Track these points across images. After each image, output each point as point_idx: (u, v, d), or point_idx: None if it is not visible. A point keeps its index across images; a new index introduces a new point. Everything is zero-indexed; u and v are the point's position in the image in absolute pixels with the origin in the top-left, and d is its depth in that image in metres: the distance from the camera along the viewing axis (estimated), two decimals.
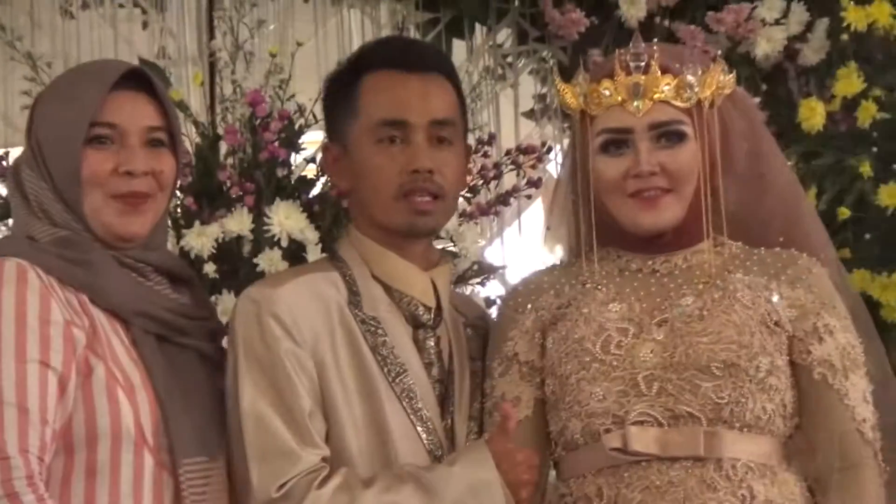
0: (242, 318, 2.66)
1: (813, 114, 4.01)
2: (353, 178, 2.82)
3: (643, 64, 2.74)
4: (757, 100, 4.10)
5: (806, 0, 4.20)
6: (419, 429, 2.77)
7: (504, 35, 4.55)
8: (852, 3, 4.05)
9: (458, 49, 4.47)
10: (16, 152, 3.25)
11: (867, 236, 3.97)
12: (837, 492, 2.76)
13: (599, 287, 2.85)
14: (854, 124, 4.04)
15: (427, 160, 2.76)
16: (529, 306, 2.88)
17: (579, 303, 2.83)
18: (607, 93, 2.76)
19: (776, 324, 2.76)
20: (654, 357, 2.75)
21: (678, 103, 2.74)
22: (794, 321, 2.77)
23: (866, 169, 3.94)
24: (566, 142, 4.16)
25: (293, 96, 3.61)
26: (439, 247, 3.15)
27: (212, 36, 3.88)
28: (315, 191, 3.58)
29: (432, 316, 2.85)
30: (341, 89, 2.87)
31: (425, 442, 2.76)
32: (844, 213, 3.91)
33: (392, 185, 2.75)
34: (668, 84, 2.75)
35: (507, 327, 2.89)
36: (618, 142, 2.76)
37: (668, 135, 2.76)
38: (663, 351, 2.75)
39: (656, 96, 2.74)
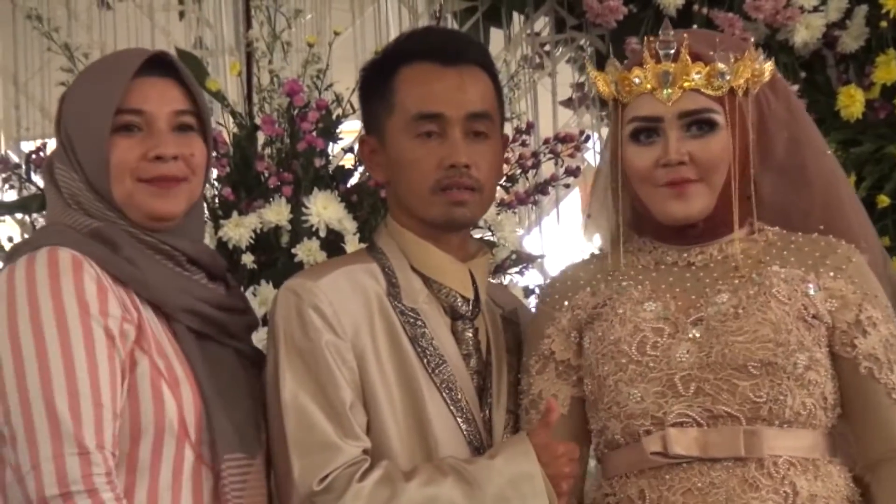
0: (283, 310, 2.64)
1: (852, 101, 4.07)
2: (391, 171, 2.80)
3: (672, 51, 2.69)
4: (795, 87, 4.00)
5: None
6: (458, 419, 2.76)
7: (542, 23, 4.53)
8: None
9: (496, 37, 4.47)
10: (54, 143, 3.37)
11: None
12: (887, 482, 2.71)
13: (635, 284, 2.82)
14: (893, 111, 4.09)
15: (464, 155, 2.74)
16: (566, 304, 2.86)
17: (615, 302, 2.80)
18: (637, 80, 2.73)
19: (814, 317, 2.72)
20: (691, 357, 2.72)
21: (709, 91, 2.70)
22: (835, 312, 2.73)
23: None
24: (605, 130, 4.14)
25: (331, 86, 3.57)
26: (477, 237, 3.13)
27: (249, 26, 3.84)
28: (353, 181, 3.54)
29: (470, 307, 2.83)
30: (377, 82, 2.84)
31: (465, 433, 2.75)
32: (884, 200, 3.98)
33: (429, 179, 2.73)
34: (698, 72, 2.69)
35: (543, 324, 2.87)
36: (648, 130, 2.72)
37: (698, 123, 2.71)
38: (699, 350, 2.72)
39: (686, 84, 2.70)
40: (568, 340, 2.82)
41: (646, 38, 2.71)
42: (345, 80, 3.51)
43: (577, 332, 2.82)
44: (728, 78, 2.69)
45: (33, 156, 3.72)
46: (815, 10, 4.14)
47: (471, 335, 2.83)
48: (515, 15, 4.49)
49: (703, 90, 2.67)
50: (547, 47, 4.60)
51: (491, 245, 3.41)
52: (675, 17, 4.07)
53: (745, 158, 2.73)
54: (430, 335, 2.76)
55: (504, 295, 3.08)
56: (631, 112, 2.74)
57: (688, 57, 2.66)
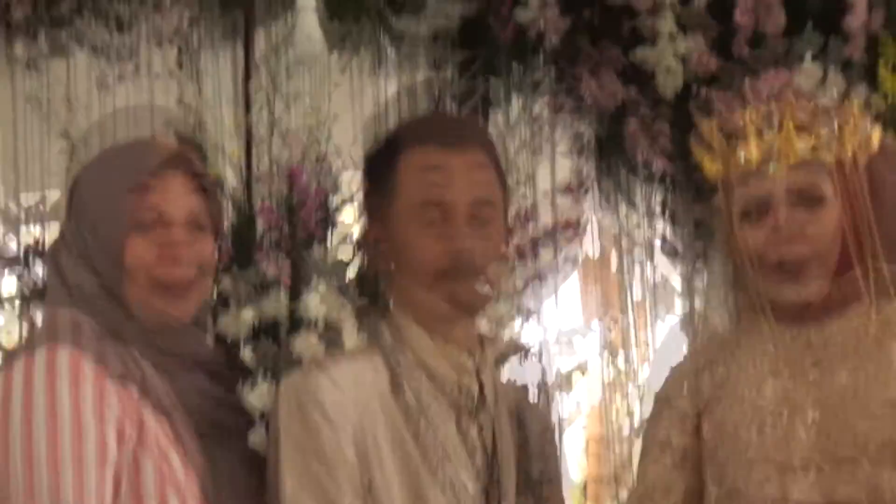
0: (284, 406, 2.61)
1: None
2: (395, 258, 2.79)
3: (777, 123, 2.67)
4: None
5: (843, 64, 4.09)
6: (448, 491, 2.76)
7: (540, 105, 4.43)
8: (892, 72, 4.05)
9: (496, 120, 4.41)
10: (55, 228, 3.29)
11: None
12: None
13: (754, 360, 2.80)
14: None
15: (465, 240, 2.73)
16: (684, 390, 2.87)
17: (734, 384, 2.80)
18: (745, 153, 2.71)
19: None
20: (810, 437, 2.72)
21: (816, 163, 2.67)
22: None
23: None
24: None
25: (330, 170, 3.52)
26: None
27: (248, 110, 3.77)
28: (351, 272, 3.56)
29: (475, 402, 2.81)
30: (379, 168, 2.85)
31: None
32: None
33: (431, 266, 2.72)
34: (804, 144, 2.67)
35: (661, 417, 2.88)
36: (759, 206, 2.70)
37: (805, 197, 2.68)
38: (820, 433, 2.71)
39: (792, 160, 2.67)
40: (684, 430, 2.85)
41: (745, 109, 2.72)
42: (344, 163, 3.51)
43: (697, 415, 2.84)
44: (834, 148, 2.66)
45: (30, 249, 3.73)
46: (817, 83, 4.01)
47: (474, 431, 2.81)
48: (514, 99, 4.43)
49: (809, 162, 2.65)
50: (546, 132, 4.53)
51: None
52: (674, 99, 4.08)
53: (861, 229, 2.68)
54: (434, 432, 2.74)
55: (509, 387, 3.07)
56: (737, 193, 2.72)
57: (792, 127, 2.65)
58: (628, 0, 4.09)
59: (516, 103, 4.39)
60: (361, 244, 3.11)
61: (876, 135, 2.70)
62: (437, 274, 2.72)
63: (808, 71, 4.00)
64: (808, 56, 4.01)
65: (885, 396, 2.67)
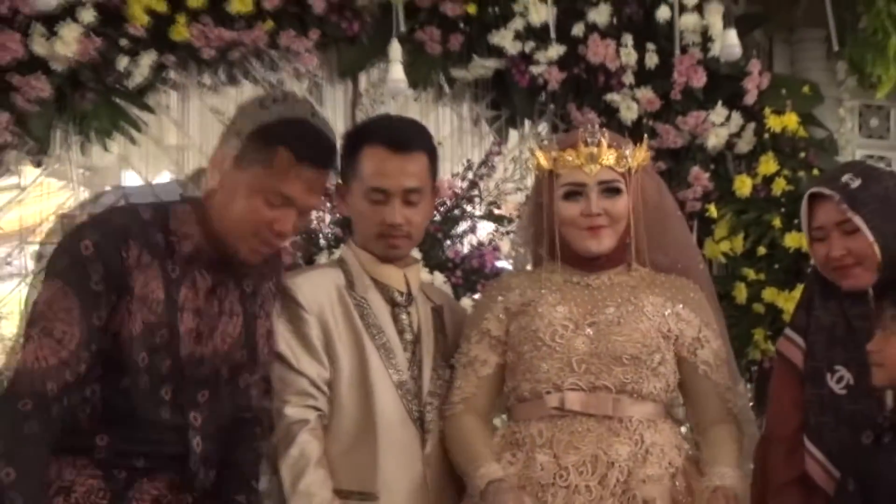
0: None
1: (743, 185, 4.97)
2: (352, 214, 3.27)
3: (597, 140, 3.17)
4: (707, 174, 5.02)
5: (740, 110, 5.05)
6: (390, 371, 3.17)
7: (543, 127, 5.31)
8: (771, 113, 5.03)
9: (513, 134, 5.35)
10: None
11: (776, 266, 4.91)
12: (710, 438, 3.20)
13: (550, 292, 3.23)
14: (770, 193, 4.96)
15: (399, 217, 3.15)
16: (500, 298, 3.27)
17: (537, 303, 3.21)
18: (570, 159, 3.17)
19: (668, 331, 3.19)
20: (584, 347, 3.15)
21: (617, 168, 3.17)
22: (683, 331, 3.21)
23: (777, 222, 4.89)
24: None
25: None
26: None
27: (354, 125, 4.38)
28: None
29: (404, 299, 3.25)
30: (349, 151, 3.23)
31: (394, 381, 3.16)
32: (762, 251, 4.92)
33: (374, 230, 3.17)
34: (611, 155, 3.17)
35: (484, 310, 3.28)
36: (576, 193, 3.17)
37: (609, 189, 3.17)
38: (591, 343, 3.15)
39: (603, 162, 3.16)
40: (500, 323, 3.24)
41: (580, 129, 3.22)
42: None
43: (507, 318, 3.24)
44: (629, 160, 3.19)
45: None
46: (722, 125, 5.03)
47: (405, 317, 3.25)
48: (526, 122, 5.30)
49: (613, 167, 3.17)
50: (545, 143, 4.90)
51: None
52: (631, 126, 5.01)
53: (635, 215, 3.20)
54: (374, 315, 3.21)
55: (436, 293, 3.49)
56: (564, 179, 3.18)
57: (606, 144, 3.17)
58: (604, 62, 5.03)
59: (528, 125, 5.32)
60: (334, 195, 3.47)
61: (647, 155, 3.27)
62: (377, 235, 3.17)
63: (717, 112, 4.99)
64: (720, 103, 5.00)
65: (636, 325, 3.17)
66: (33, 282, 4.18)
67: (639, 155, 3.20)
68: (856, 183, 3.16)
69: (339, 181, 3.24)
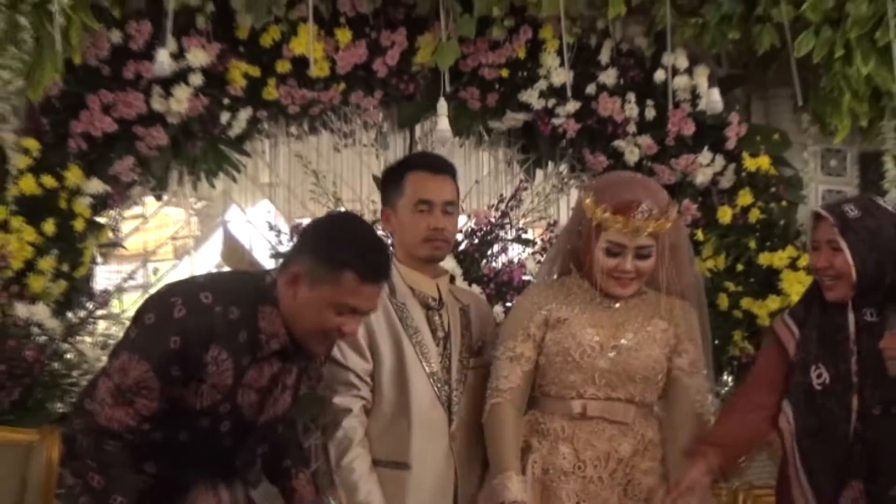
0: None
1: (725, 214, 5.30)
2: (399, 229, 3.46)
3: (646, 216, 3.26)
4: (695, 206, 5.32)
5: (723, 153, 5.39)
6: (424, 364, 3.36)
7: (563, 167, 5.66)
8: (748, 156, 5.35)
9: (538, 174, 5.67)
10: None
11: (751, 280, 5.24)
12: (675, 432, 3.41)
13: (582, 312, 3.34)
14: (747, 220, 5.30)
15: (441, 223, 3.41)
16: (543, 311, 3.38)
17: (572, 322, 3.34)
18: (619, 226, 3.26)
19: (668, 348, 3.40)
20: (606, 366, 3.34)
21: (652, 235, 3.29)
22: (673, 344, 3.41)
23: (752, 244, 5.24)
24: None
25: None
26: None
27: None
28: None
29: (437, 303, 3.45)
30: (394, 178, 3.48)
31: (427, 373, 3.35)
32: (740, 267, 5.26)
33: (422, 235, 3.41)
34: (651, 227, 3.27)
35: (528, 314, 3.38)
36: (615, 251, 3.30)
37: (642, 255, 3.31)
38: (612, 364, 3.33)
39: (645, 234, 3.28)
40: (539, 329, 3.38)
41: (635, 203, 3.24)
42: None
43: (545, 327, 3.38)
44: (665, 227, 3.30)
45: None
46: (707, 165, 5.36)
47: (437, 319, 3.44)
48: (550, 163, 5.66)
49: (650, 236, 3.28)
50: (565, 180, 5.67)
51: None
52: (633, 167, 5.31)
53: (661, 262, 3.34)
54: (411, 317, 3.40)
55: (464, 294, 3.68)
56: (608, 237, 3.28)
57: (653, 218, 3.24)
58: (611, 115, 5.34)
59: (550, 166, 5.66)
60: (381, 220, 3.65)
61: (673, 218, 3.28)
62: (423, 240, 3.39)
63: (704, 155, 5.33)
64: (706, 147, 5.35)
65: (648, 353, 3.33)
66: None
67: (668, 220, 3.33)
68: (854, 213, 3.27)
69: (384, 207, 3.51)
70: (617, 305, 3.36)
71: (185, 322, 2.80)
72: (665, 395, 3.42)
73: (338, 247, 2.84)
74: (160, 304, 2.87)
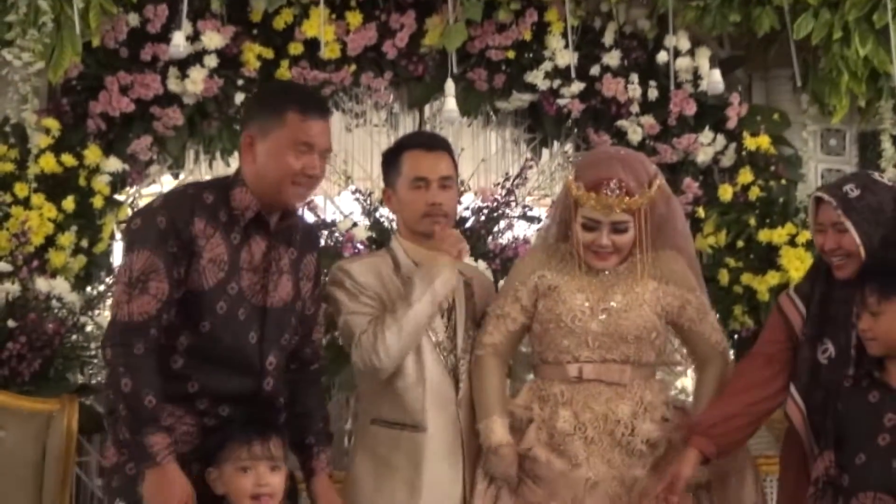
0: (332, 276, 3.47)
1: (726, 192, 5.34)
2: (399, 207, 3.53)
3: (617, 193, 3.32)
4: (697, 184, 5.35)
5: (724, 133, 5.41)
6: (430, 333, 3.42)
7: (568, 146, 5.73)
8: (748, 135, 5.38)
9: (545, 152, 5.76)
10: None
11: (751, 256, 5.27)
12: (704, 374, 3.50)
13: (571, 278, 3.40)
14: (747, 198, 5.34)
15: (438, 198, 3.46)
16: (535, 277, 3.45)
17: (561, 289, 3.40)
18: (592, 202, 3.33)
19: (661, 310, 3.42)
20: (598, 328, 3.37)
21: (628, 213, 3.34)
22: (671, 303, 3.44)
23: (752, 221, 5.27)
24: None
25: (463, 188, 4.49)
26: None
27: None
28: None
29: None
30: (392, 159, 3.54)
31: (433, 340, 3.43)
32: (740, 244, 5.27)
33: (420, 211, 3.45)
34: (623, 204, 3.32)
35: (521, 278, 3.46)
36: (591, 226, 3.36)
37: (619, 229, 3.36)
38: (604, 326, 3.37)
39: (618, 210, 3.34)
40: (530, 295, 3.45)
41: (604, 182, 3.29)
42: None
43: (536, 293, 3.45)
44: (639, 203, 3.34)
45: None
46: (709, 145, 5.40)
47: None
48: (555, 142, 5.73)
49: (625, 210, 3.33)
50: (571, 159, 5.70)
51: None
52: (636, 146, 5.26)
53: (641, 235, 3.37)
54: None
55: (467, 268, 3.70)
56: (584, 212, 3.35)
57: (624, 194, 3.29)
58: (615, 96, 5.40)
59: (556, 145, 5.75)
60: (383, 199, 3.79)
61: (654, 192, 3.32)
62: (422, 216, 3.43)
63: (705, 135, 5.35)
64: (707, 127, 5.38)
65: (639, 312, 3.37)
66: None
67: (647, 194, 3.38)
68: (854, 192, 3.28)
69: (385, 187, 3.59)
70: (606, 272, 3.43)
71: (166, 204, 3.04)
72: (687, 345, 3.51)
73: (274, 96, 3.10)
74: (142, 210, 3.12)
